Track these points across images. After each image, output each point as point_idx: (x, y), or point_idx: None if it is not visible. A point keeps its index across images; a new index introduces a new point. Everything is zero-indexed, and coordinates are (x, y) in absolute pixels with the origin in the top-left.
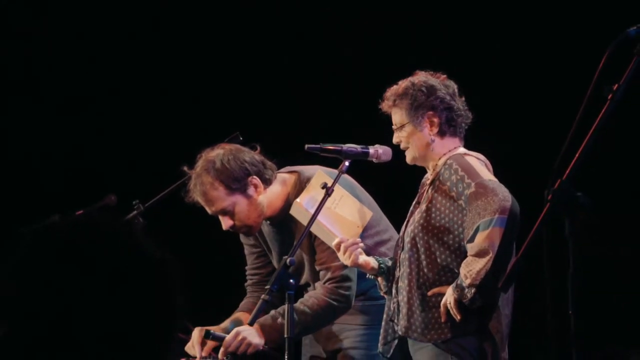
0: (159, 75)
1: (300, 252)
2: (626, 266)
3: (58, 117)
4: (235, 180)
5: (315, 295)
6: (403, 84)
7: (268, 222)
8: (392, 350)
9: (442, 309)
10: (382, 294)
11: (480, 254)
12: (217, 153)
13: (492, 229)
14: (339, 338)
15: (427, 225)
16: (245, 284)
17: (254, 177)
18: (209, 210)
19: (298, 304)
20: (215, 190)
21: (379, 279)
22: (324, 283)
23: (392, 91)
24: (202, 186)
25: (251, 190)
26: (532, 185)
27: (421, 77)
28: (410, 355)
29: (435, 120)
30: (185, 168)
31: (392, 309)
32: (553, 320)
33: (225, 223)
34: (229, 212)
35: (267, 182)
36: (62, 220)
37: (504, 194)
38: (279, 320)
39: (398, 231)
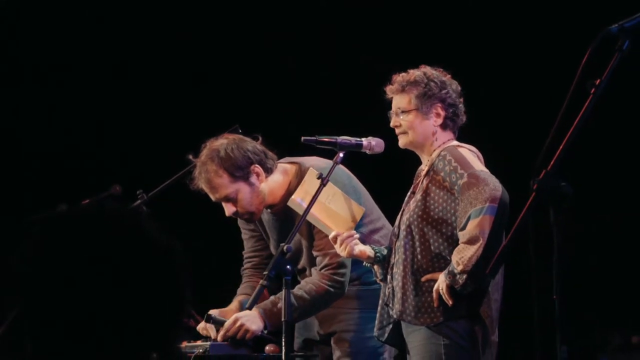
0: (161, 68)
1: (300, 238)
2: (608, 253)
3: (64, 109)
4: (239, 168)
5: (312, 281)
6: (415, 72)
7: (269, 210)
8: (386, 335)
9: (434, 294)
10: (378, 281)
11: (471, 241)
12: (221, 142)
13: (483, 217)
14: (334, 321)
15: (421, 214)
16: (242, 268)
17: (256, 165)
18: (212, 197)
19: (297, 290)
20: (220, 177)
21: (375, 267)
22: (320, 269)
23: (402, 77)
24: (207, 174)
25: (253, 179)
26: (519, 176)
27: (432, 70)
28: (404, 339)
29: (442, 113)
30: (190, 156)
31: (387, 294)
32: (538, 304)
33: (229, 209)
34: (232, 199)
35: (268, 171)
36: (69, 209)
37: (494, 184)
38: (279, 305)
39: (393, 220)
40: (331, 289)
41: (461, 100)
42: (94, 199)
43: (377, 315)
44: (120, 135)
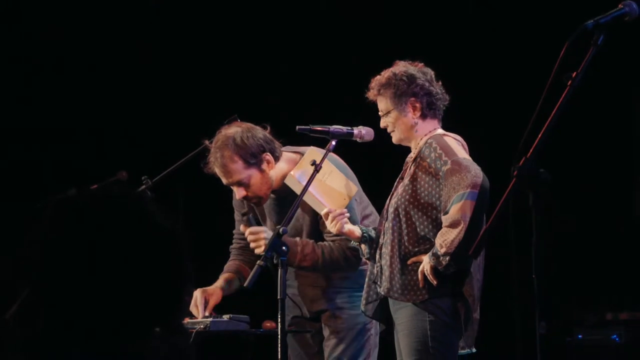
0: (162, 63)
1: (302, 214)
2: (586, 237)
3: (73, 102)
4: (252, 155)
5: (330, 243)
6: (385, 74)
7: (272, 194)
8: (372, 310)
9: (419, 275)
10: (364, 259)
11: (453, 225)
12: (236, 130)
13: (464, 201)
14: (325, 300)
15: (409, 198)
16: (231, 246)
17: (268, 153)
18: (225, 181)
19: (321, 242)
20: (235, 163)
21: (362, 245)
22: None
23: (376, 81)
24: (223, 159)
25: (264, 166)
26: (501, 163)
27: (401, 67)
28: (390, 315)
29: (417, 105)
30: (205, 141)
31: (375, 272)
32: (518, 283)
33: (239, 193)
34: (244, 184)
35: (276, 159)
36: (79, 194)
37: (476, 171)
38: (299, 243)
39: (382, 204)
40: (348, 253)
41: (437, 83)
42: (101, 184)
43: (364, 292)
44: (127, 125)
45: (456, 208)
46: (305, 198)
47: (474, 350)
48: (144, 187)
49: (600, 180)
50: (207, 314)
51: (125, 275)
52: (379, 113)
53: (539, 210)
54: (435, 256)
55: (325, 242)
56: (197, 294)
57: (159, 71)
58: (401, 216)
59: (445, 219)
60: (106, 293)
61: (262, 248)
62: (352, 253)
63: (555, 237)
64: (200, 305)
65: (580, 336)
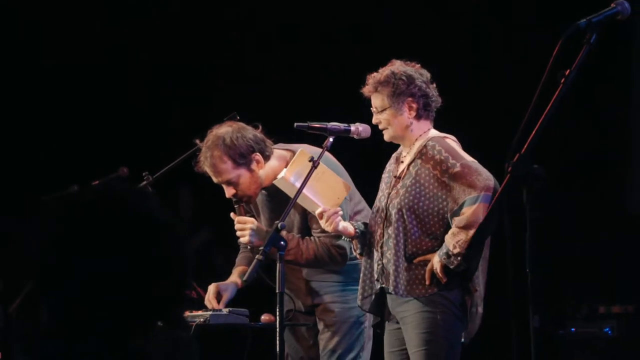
0: (163, 60)
1: (294, 211)
2: (580, 232)
3: (76, 99)
4: (241, 156)
5: (317, 239)
6: (384, 72)
7: (264, 191)
8: (369, 305)
9: (427, 273)
10: (356, 254)
11: (467, 227)
12: (226, 130)
13: (479, 204)
14: (319, 294)
15: (412, 198)
16: (239, 240)
17: (257, 153)
18: (215, 180)
19: (308, 237)
20: (224, 163)
21: (354, 241)
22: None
23: (374, 78)
24: (212, 159)
25: (254, 165)
26: (495, 159)
27: (399, 66)
28: (387, 310)
29: (414, 105)
30: (197, 141)
31: (377, 270)
32: (513, 277)
33: (229, 192)
34: (233, 183)
35: (267, 158)
36: (80, 190)
37: (487, 174)
38: (294, 240)
39: (371, 200)
40: (333, 251)
41: (432, 86)
42: (103, 180)
43: (360, 287)
44: (128, 121)
45: (470, 210)
46: (299, 199)
47: (466, 341)
48: (145, 183)
49: (594, 175)
50: (221, 307)
51: (127, 270)
52: (372, 109)
53: (532, 205)
54: (447, 255)
55: (311, 238)
56: (211, 287)
57: (160, 68)
58: (406, 217)
59: (460, 220)
60: (108, 288)
61: (247, 238)
62: (337, 251)
63: (549, 232)
64: (214, 301)
65: (573, 329)
